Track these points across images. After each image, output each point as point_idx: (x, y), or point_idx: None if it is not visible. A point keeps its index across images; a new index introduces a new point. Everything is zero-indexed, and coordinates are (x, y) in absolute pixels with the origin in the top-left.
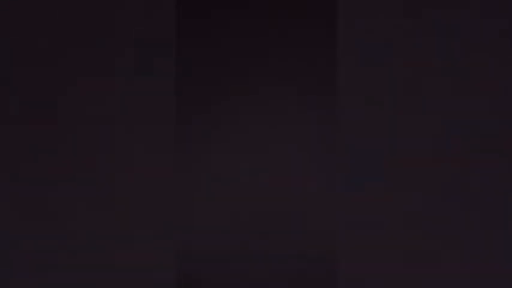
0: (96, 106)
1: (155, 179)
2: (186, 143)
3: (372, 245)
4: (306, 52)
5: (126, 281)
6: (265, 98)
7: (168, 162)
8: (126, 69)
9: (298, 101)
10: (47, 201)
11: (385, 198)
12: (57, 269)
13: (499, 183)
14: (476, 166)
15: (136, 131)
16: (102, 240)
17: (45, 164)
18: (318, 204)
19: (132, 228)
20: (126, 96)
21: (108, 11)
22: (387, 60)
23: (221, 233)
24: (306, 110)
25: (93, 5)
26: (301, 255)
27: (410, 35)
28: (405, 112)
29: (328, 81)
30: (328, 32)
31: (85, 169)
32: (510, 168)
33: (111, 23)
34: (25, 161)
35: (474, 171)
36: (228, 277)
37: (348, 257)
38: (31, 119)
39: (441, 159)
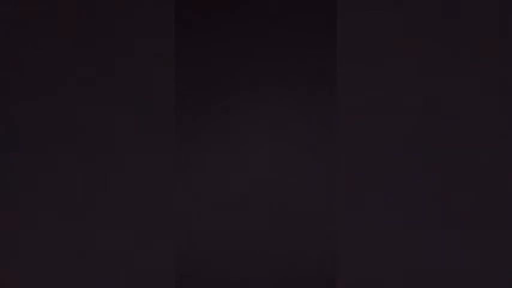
0: (95, 106)
1: (155, 179)
2: (186, 143)
3: (371, 245)
4: (306, 52)
5: (126, 281)
6: (265, 97)
7: (168, 162)
8: (125, 68)
9: (299, 100)
10: (46, 202)
11: (385, 199)
12: (57, 269)
13: (499, 183)
14: (477, 166)
15: (136, 131)
16: (101, 241)
17: (44, 164)
18: (318, 204)
19: (132, 228)
20: (126, 96)
21: (108, 10)
22: (387, 60)
23: (221, 233)
24: (306, 110)
25: (93, 4)
26: (301, 256)
27: (410, 34)
28: (405, 112)
29: (329, 81)
30: (328, 32)
31: (85, 169)
32: (506, 170)
33: (111, 22)
34: (25, 160)
35: (475, 171)
36: (228, 278)
37: (347, 257)
38: (30, 117)
39: (442, 159)
